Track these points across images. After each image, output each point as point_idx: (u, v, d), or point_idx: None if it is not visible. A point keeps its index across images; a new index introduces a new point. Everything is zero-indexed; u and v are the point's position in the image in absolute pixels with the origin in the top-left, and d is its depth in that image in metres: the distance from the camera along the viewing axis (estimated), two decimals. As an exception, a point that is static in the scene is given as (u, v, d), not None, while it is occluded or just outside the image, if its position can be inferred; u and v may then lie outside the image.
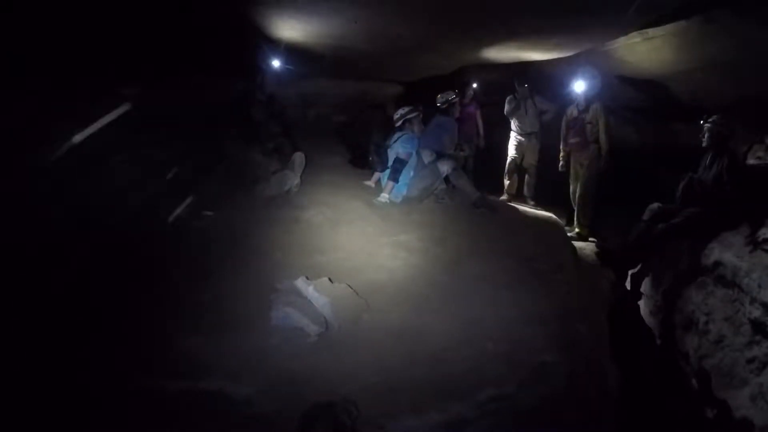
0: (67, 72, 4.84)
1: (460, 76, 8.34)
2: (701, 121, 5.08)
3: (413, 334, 3.41)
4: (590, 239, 6.53)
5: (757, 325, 3.33)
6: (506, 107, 7.40)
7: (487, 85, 8.74)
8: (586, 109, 6.47)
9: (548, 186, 7.37)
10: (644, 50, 6.02)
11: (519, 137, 7.41)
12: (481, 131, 7.91)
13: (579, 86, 6.55)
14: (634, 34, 5.68)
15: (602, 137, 6.34)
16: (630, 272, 5.05)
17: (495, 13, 4.82)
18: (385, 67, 7.44)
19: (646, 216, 5.28)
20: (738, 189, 4.65)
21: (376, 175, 6.08)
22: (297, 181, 5.58)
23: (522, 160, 7.50)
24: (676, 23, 5.22)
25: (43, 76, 4.67)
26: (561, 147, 6.87)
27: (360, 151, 7.60)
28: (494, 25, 5.20)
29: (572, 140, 6.67)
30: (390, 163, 5.74)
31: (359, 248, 4.52)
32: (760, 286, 3.47)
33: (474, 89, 8.18)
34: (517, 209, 6.39)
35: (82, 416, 2.56)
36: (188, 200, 4.97)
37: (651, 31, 5.54)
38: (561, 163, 6.91)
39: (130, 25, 4.89)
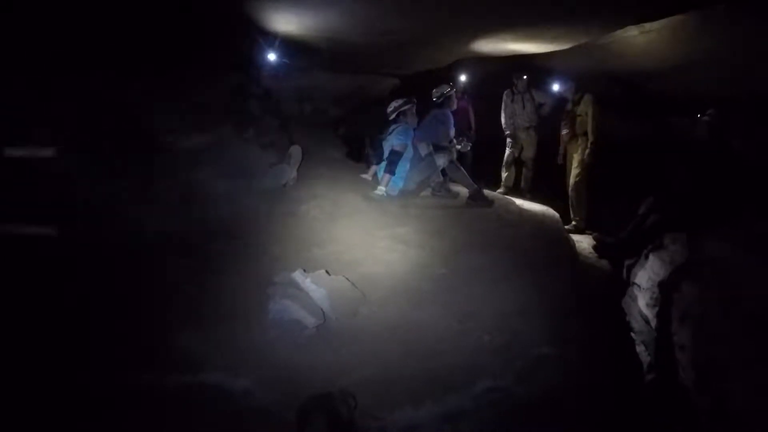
0: (63, 69, 4.83)
1: (454, 69, 8.34)
2: (698, 115, 5.10)
3: (410, 327, 3.42)
4: (587, 232, 6.54)
5: (752, 319, 3.34)
6: (503, 101, 7.42)
7: (482, 78, 8.74)
8: (578, 102, 6.48)
9: (546, 179, 7.38)
10: (641, 44, 6.02)
11: (517, 131, 7.42)
12: (473, 125, 7.93)
13: (555, 87, 6.91)
14: (631, 27, 5.67)
15: (589, 129, 6.34)
16: (626, 265, 5.06)
17: (491, 6, 4.81)
18: (381, 60, 7.41)
19: (642, 209, 5.29)
20: (734, 182, 4.66)
21: (373, 168, 6.07)
22: (294, 174, 5.57)
23: (520, 153, 7.52)
24: (672, 17, 5.21)
25: (41, 74, 4.67)
26: (560, 140, 6.89)
27: (357, 144, 7.60)
28: (490, 17, 5.19)
29: (563, 133, 6.71)
30: (385, 155, 5.73)
31: (356, 241, 4.52)
32: (756, 280, 3.48)
33: (465, 83, 8.20)
34: (514, 202, 6.39)
35: (82, 412, 2.56)
36: (185, 195, 4.97)
37: (648, 25, 5.54)
38: (559, 156, 6.93)
39: (127, 21, 4.87)
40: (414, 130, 5.87)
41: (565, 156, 6.85)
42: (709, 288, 3.77)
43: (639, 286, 4.57)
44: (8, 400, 2.53)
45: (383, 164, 5.71)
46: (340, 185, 5.79)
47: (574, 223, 6.68)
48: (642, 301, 4.41)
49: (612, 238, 5.69)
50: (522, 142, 7.45)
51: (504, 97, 7.45)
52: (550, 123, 7.23)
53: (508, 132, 7.49)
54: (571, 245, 5.51)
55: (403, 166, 5.67)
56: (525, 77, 7.29)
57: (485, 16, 5.13)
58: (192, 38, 5.47)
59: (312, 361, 3.05)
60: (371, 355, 3.15)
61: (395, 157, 5.59)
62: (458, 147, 5.90)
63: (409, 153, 5.70)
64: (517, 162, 7.62)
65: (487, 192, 6.14)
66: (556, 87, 6.91)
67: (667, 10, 5.07)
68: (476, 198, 5.74)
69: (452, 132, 5.99)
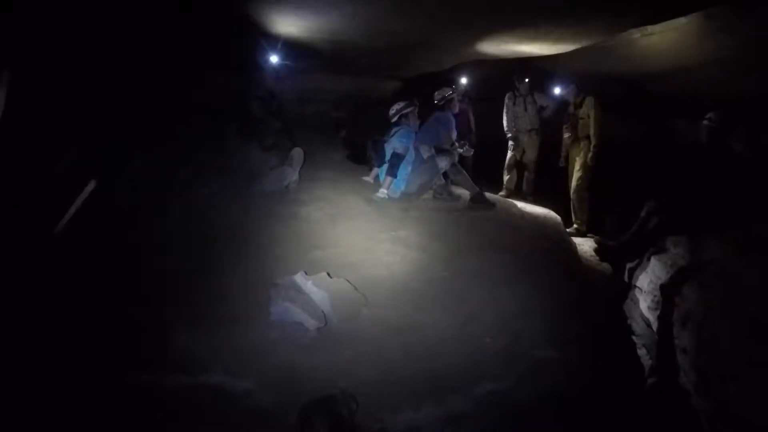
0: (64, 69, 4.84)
1: (456, 72, 8.37)
2: (700, 119, 5.10)
3: (412, 329, 3.42)
4: (589, 235, 6.54)
5: (754, 321, 3.34)
6: (506, 104, 7.44)
7: (483, 80, 8.76)
8: (580, 105, 6.50)
9: (548, 182, 7.39)
10: (643, 47, 6.02)
11: (519, 133, 7.43)
12: (473, 128, 7.95)
13: (557, 90, 6.97)
14: (634, 30, 5.67)
15: (591, 132, 6.35)
16: (628, 267, 5.06)
17: (494, 9, 4.82)
18: (383, 62, 7.42)
19: (643, 212, 5.29)
20: (735, 185, 4.66)
21: (375, 170, 6.08)
22: (295, 176, 5.58)
23: (522, 156, 7.53)
24: (675, 20, 5.21)
25: (41, 76, 4.68)
26: (562, 143, 6.90)
27: (358, 146, 7.60)
28: (493, 19, 5.20)
29: (565, 136, 6.72)
30: (387, 158, 5.74)
31: (358, 243, 4.53)
32: (757, 282, 3.48)
33: (465, 86, 8.22)
34: (515, 205, 6.39)
35: (83, 412, 2.56)
36: (187, 196, 4.98)
37: (650, 28, 5.54)
38: (561, 159, 6.94)
39: (130, 23, 4.88)
40: (416, 132, 5.88)
41: (567, 159, 6.86)
42: (710, 291, 3.77)
43: (640, 288, 4.57)
44: (9, 401, 2.53)
45: (385, 167, 5.72)
46: (342, 187, 5.80)
47: (575, 226, 6.68)
48: (643, 304, 4.41)
49: (613, 241, 5.69)
50: (524, 145, 7.46)
51: (506, 99, 7.47)
52: (552, 126, 7.24)
53: (510, 135, 7.50)
54: (572, 248, 5.51)
55: (405, 169, 5.67)
56: (527, 80, 7.31)
57: (487, 17, 5.14)
58: (194, 40, 5.48)
59: (313, 363, 3.05)
60: (372, 357, 3.15)
61: (397, 160, 5.60)
62: (460, 150, 5.90)
63: (410, 156, 5.70)
64: (518, 165, 7.63)
65: (488, 195, 6.14)
66: (557, 90, 6.93)
67: (669, 12, 5.08)
68: (478, 201, 5.74)
69: (454, 135, 6.00)
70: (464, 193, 5.92)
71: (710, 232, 4.24)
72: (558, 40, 6.01)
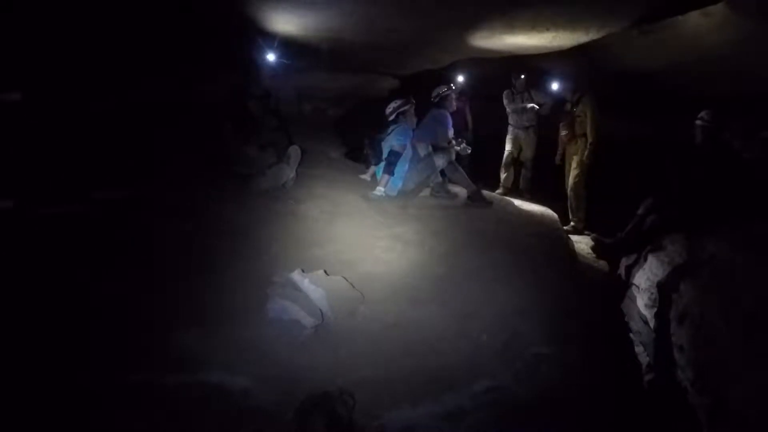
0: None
1: (452, 70, 8.37)
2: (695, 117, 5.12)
3: (409, 326, 3.42)
4: (586, 233, 6.55)
5: (751, 319, 3.34)
6: (504, 102, 7.45)
7: (480, 78, 8.77)
8: (577, 103, 6.51)
9: (545, 180, 7.39)
10: (640, 44, 6.03)
11: (516, 131, 7.43)
12: (470, 125, 7.96)
13: (554, 85, 7.05)
14: (631, 28, 5.67)
15: (588, 130, 6.37)
16: (625, 265, 5.07)
17: (491, 5, 4.82)
18: (381, 60, 7.43)
19: (641, 209, 5.30)
20: (733, 183, 4.67)
21: (372, 168, 6.08)
22: (293, 174, 5.56)
23: (519, 153, 7.53)
24: (672, 18, 5.22)
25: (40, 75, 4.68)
26: (559, 141, 6.91)
27: (355, 144, 7.61)
28: (490, 16, 5.20)
29: (562, 134, 6.74)
30: (384, 155, 5.74)
31: (355, 241, 4.52)
32: (754, 280, 3.49)
33: (462, 83, 8.23)
34: (512, 203, 6.40)
35: (81, 412, 2.55)
36: (184, 194, 4.96)
37: (647, 26, 5.54)
38: (558, 156, 6.95)
39: (127, 21, 4.87)
40: (413, 130, 5.88)
41: (563, 157, 6.87)
42: (707, 288, 3.77)
43: (638, 286, 4.57)
44: (7, 400, 2.52)
45: (382, 164, 5.72)
46: (339, 185, 5.79)
47: (572, 223, 6.69)
48: (641, 302, 4.42)
49: (611, 239, 5.70)
50: (521, 143, 7.47)
51: (503, 97, 7.47)
52: (547, 123, 7.26)
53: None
54: (569, 246, 5.52)
55: (402, 167, 5.67)
56: (522, 77, 7.31)
57: (485, 16, 5.14)
58: (192, 38, 5.48)
59: (311, 361, 3.05)
60: (370, 354, 3.15)
61: (394, 158, 5.60)
62: (458, 148, 5.90)
63: (408, 153, 5.70)
64: (516, 162, 7.64)
65: (485, 193, 6.15)
66: (554, 87, 6.95)
67: (666, 11, 5.09)
68: (475, 198, 5.75)
69: (451, 133, 6.00)
70: (461, 190, 5.92)
71: (707, 230, 4.25)
72: (555, 38, 6.01)
